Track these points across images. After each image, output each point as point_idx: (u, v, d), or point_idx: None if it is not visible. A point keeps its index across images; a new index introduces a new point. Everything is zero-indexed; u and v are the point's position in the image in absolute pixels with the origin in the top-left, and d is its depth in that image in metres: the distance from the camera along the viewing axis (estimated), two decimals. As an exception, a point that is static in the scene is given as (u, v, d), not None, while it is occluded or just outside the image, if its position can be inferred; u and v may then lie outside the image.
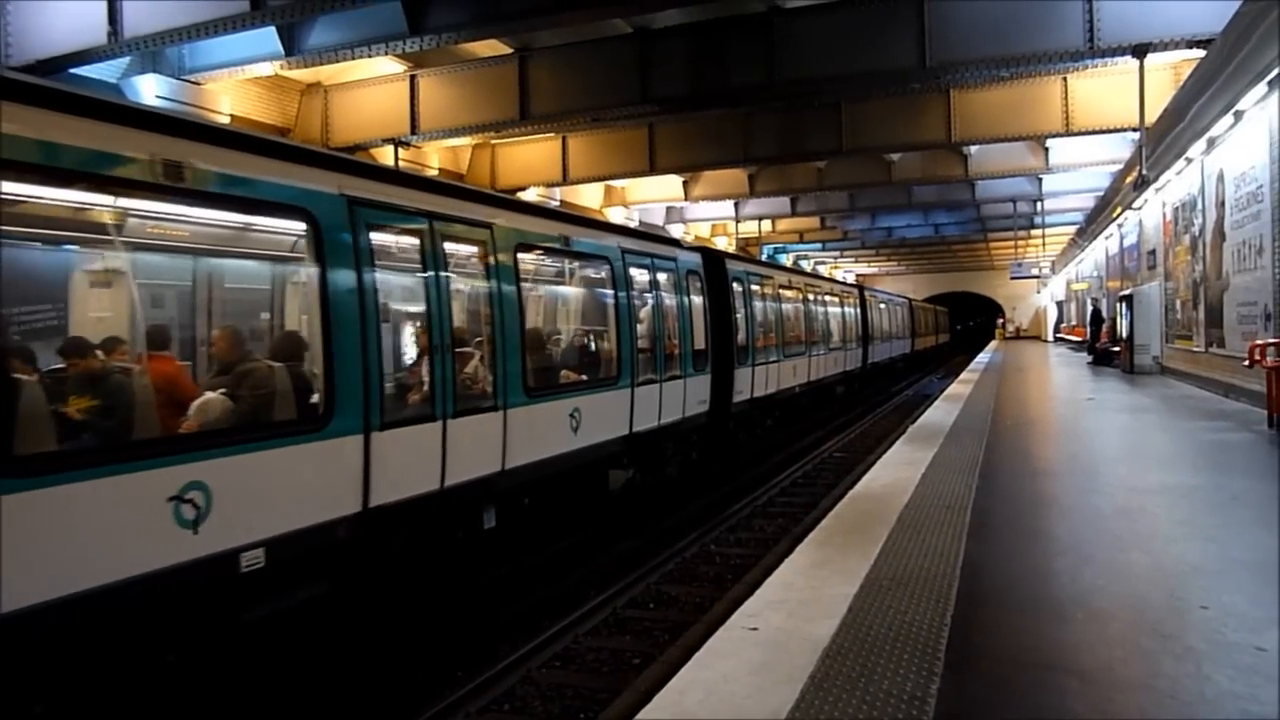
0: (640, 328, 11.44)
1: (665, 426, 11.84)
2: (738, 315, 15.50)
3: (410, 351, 7.83)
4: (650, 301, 11.82)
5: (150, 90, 13.98)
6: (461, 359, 7.81)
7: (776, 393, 17.65)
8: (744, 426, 16.27)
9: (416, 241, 7.29)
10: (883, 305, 34.19)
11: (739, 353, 15.29)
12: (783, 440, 18.88)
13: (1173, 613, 4.53)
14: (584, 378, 10.24)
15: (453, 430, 7.27)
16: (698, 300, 13.53)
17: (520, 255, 8.76)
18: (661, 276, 12.23)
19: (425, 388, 7.22)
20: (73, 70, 12.56)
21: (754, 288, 16.81)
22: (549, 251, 9.92)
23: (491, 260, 8.18)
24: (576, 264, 11.06)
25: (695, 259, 13.81)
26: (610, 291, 10.82)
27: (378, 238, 6.78)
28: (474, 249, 8.14)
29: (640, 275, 11.54)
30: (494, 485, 7.97)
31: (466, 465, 7.49)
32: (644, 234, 13.09)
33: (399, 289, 7.57)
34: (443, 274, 7.43)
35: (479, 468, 7.73)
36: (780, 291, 18.93)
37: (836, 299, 25.09)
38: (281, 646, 6.22)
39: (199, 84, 14.79)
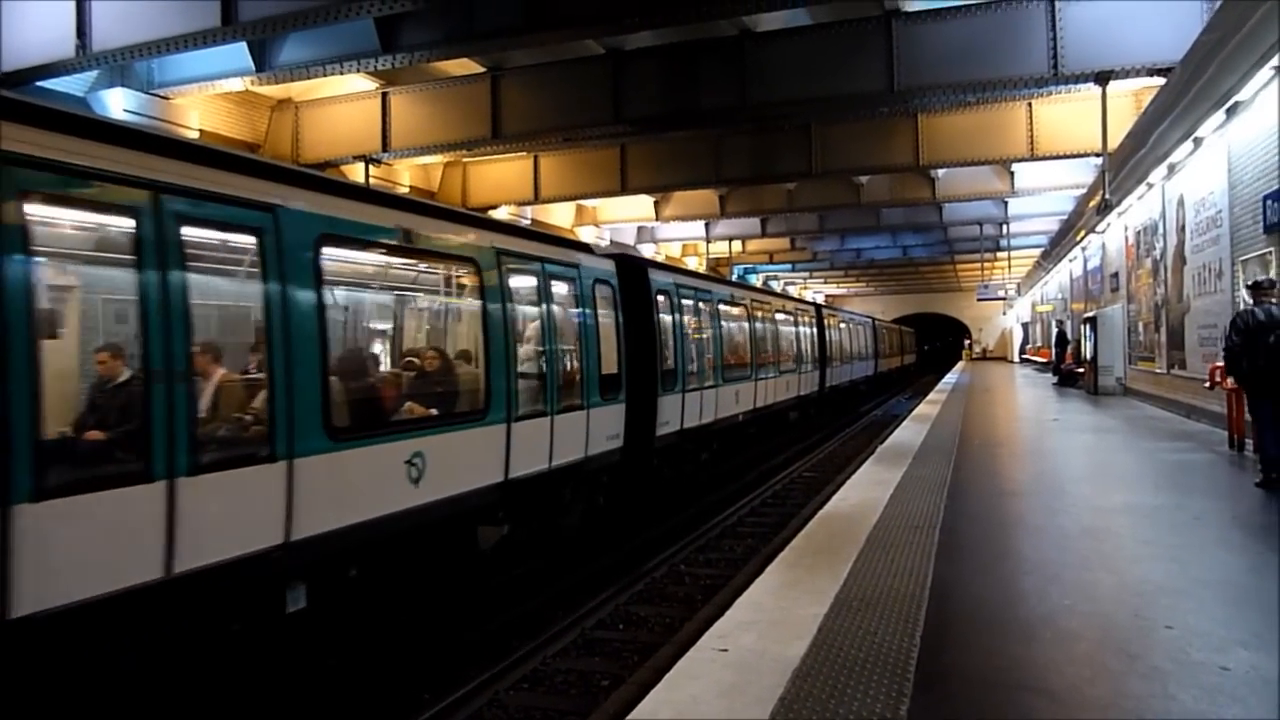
0: (525, 349, 9.40)
1: (560, 469, 9.73)
2: (665, 334, 13.54)
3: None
4: (539, 317, 9.66)
5: (118, 104, 13.84)
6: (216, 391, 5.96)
7: (714, 422, 15.48)
8: (671, 463, 13.98)
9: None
10: (843, 325, 32.12)
11: (665, 377, 13.23)
12: (737, 469, 17.39)
13: (1138, 632, 4.57)
14: (432, 412, 7.94)
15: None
16: (608, 316, 11.46)
17: (326, 251, 6.70)
18: (558, 287, 10.10)
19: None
20: (39, 83, 12.40)
21: (686, 303, 14.64)
22: (374, 248, 7.70)
23: (273, 257, 6.15)
24: (424, 267, 8.92)
25: (605, 267, 11.64)
26: (477, 303, 8.60)
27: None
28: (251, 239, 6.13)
29: (524, 283, 9.47)
30: (280, 562, 5.98)
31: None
32: (535, 234, 10.76)
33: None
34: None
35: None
36: (720, 308, 16.84)
37: (789, 317, 23.04)
38: (245, 670, 6.11)
39: (168, 98, 14.66)
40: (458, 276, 8.95)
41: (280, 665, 6.53)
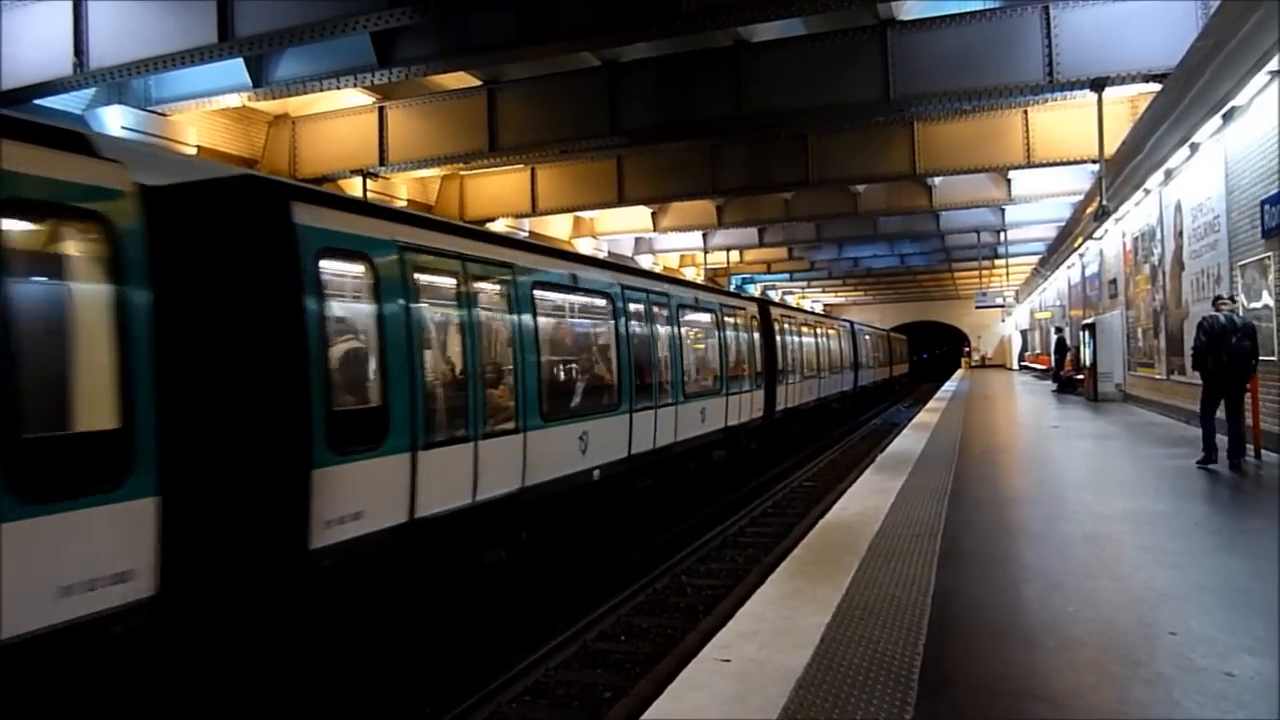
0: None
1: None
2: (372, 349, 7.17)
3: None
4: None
5: (115, 121, 13.86)
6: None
7: (521, 492, 8.71)
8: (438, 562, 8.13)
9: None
10: (804, 329, 24.67)
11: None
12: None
13: (1142, 639, 4.56)
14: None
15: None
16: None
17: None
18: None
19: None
20: (38, 101, 12.42)
21: (428, 281, 7.89)
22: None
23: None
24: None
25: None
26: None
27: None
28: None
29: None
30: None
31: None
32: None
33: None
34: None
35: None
36: (560, 299, 10.85)
37: (708, 315, 15.96)
38: (248, 679, 6.07)
39: (165, 115, 14.68)
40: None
41: (283, 672, 6.49)
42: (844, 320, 35.99)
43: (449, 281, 8.09)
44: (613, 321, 11.65)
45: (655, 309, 13.06)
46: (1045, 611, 5.02)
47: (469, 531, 8.03)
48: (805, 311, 31.25)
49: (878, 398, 41.73)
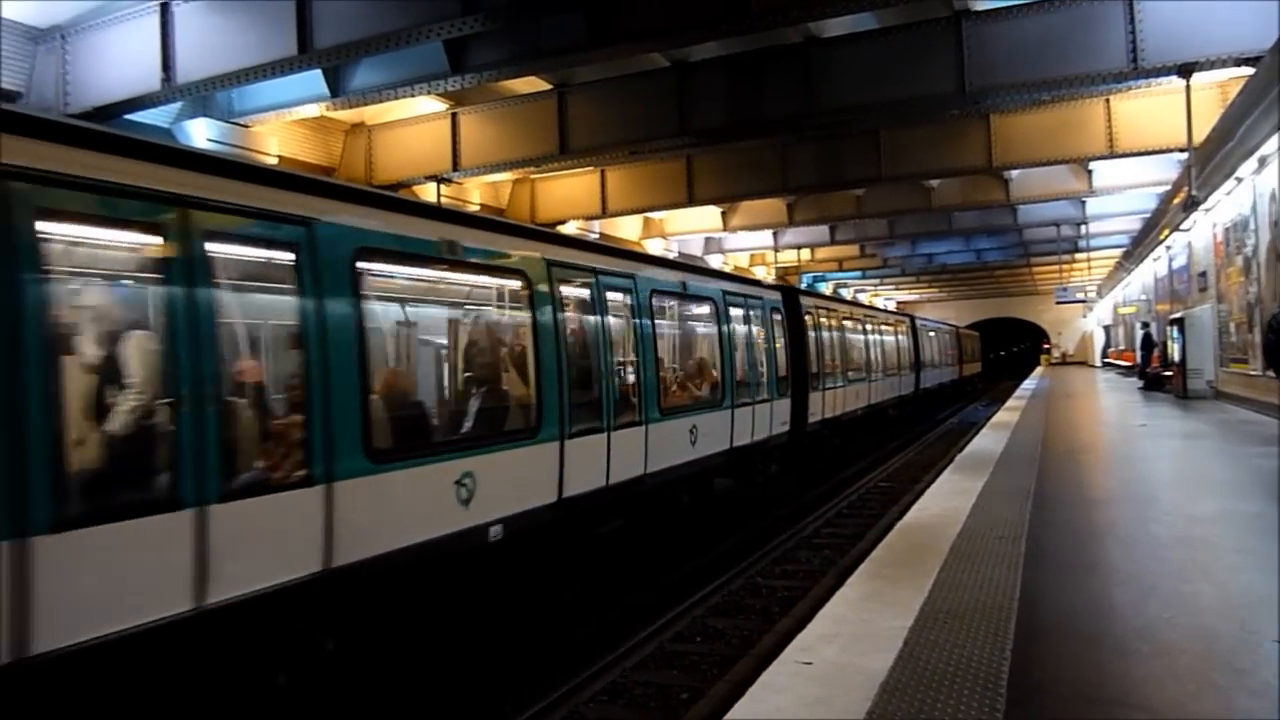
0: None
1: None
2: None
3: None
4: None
5: (201, 134, 14.32)
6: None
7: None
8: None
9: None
10: (850, 324, 21.73)
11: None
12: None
13: (1245, 646, 4.37)
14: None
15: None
16: None
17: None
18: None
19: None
20: (128, 116, 12.91)
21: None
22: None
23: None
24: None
25: None
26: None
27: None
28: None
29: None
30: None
31: None
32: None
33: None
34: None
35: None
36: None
37: (704, 306, 13.12)
38: (324, 680, 6.21)
39: (247, 126, 15.12)
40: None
41: (366, 669, 6.62)
42: (902, 314, 33.52)
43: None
44: (528, 313, 8.38)
45: (608, 298, 9.83)
46: (1139, 617, 4.85)
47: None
48: (851, 303, 27.50)
49: (947, 400, 38.84)
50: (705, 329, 13.49)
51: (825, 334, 19.13)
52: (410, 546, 6.47)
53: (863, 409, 21.81)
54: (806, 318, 17.78)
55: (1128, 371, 34.40)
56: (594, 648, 7.91)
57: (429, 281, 8.25)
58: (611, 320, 9.87)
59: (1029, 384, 34.69)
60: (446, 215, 8.20)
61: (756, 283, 16.59)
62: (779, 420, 14.86)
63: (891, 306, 50.60)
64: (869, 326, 24.19)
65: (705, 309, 13.19)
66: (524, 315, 8.39)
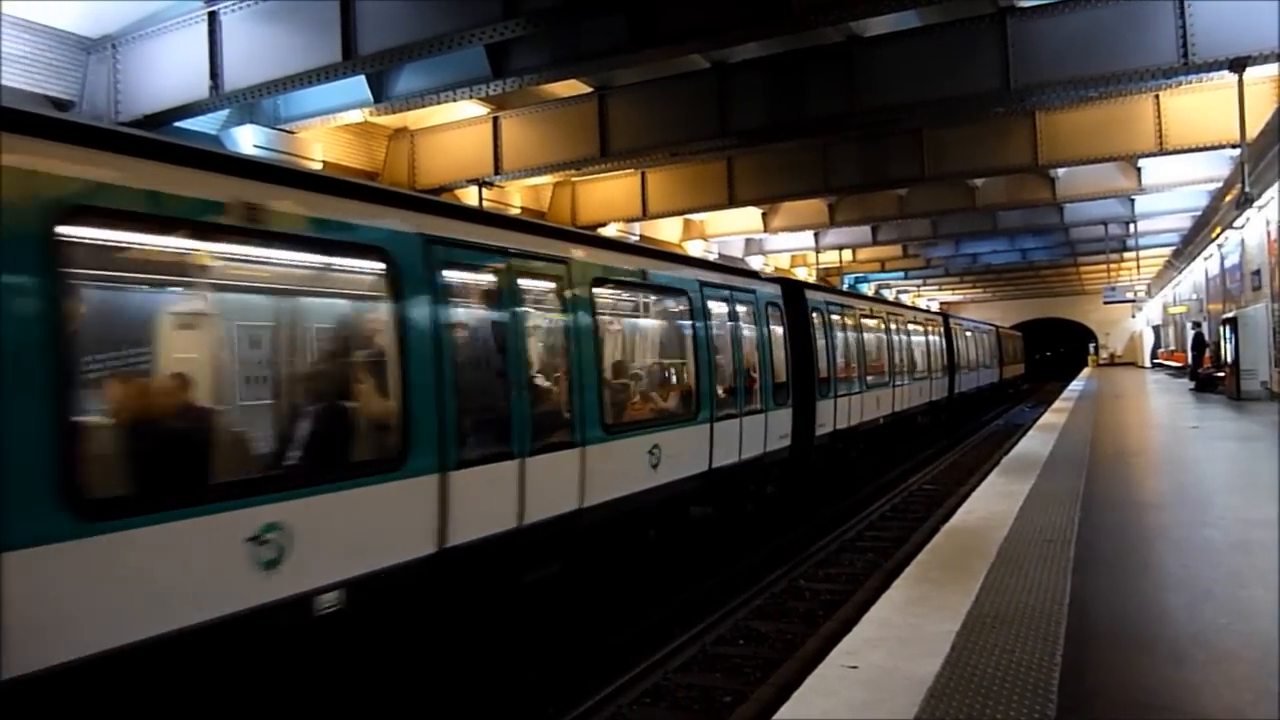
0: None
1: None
2: None
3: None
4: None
5: (248, 140, 14.58)
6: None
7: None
8: None
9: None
10: (869, 322, 19.90)
11: None
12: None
13: (1304, 654, 4.26)
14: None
15: None
16: None
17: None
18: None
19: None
20: (177, 124, 13.18)
21: None
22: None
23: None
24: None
25: None
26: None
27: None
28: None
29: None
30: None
31: None
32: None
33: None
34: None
35: None
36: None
37: (679, 302, 11.02)
38: (369, 679, 6.29)
39: (293, 133, 15.36)
40: None
41: (408, 665, 6.70)
42: (935, 313, 31.49)
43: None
44: (429, 309, 6.52)
45: (524, 287, 7.87)
46: (1193, 623, 4.76)
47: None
48: (871, 299, 24.57)
49: (985, 404, 36.61)
50: (675, 327, 11.35)
51: (838, 334, 17.04)
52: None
53: (885, 417, 19.78)
54: (814, 315, 15.70)
55: (1178, 372, 33.72)
56: (634, 650, 7.93)
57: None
58: (533, 317, 8.04)
59: (1076, 385, 34.12)
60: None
61: (751, 273, 14.40)
62: (776, 434, 12.83)
63: (935, 307, 50.03)
64: (894, 325, 21.94)
65: (675, 303, 10.99)
66: (382, 310, 6.39)
